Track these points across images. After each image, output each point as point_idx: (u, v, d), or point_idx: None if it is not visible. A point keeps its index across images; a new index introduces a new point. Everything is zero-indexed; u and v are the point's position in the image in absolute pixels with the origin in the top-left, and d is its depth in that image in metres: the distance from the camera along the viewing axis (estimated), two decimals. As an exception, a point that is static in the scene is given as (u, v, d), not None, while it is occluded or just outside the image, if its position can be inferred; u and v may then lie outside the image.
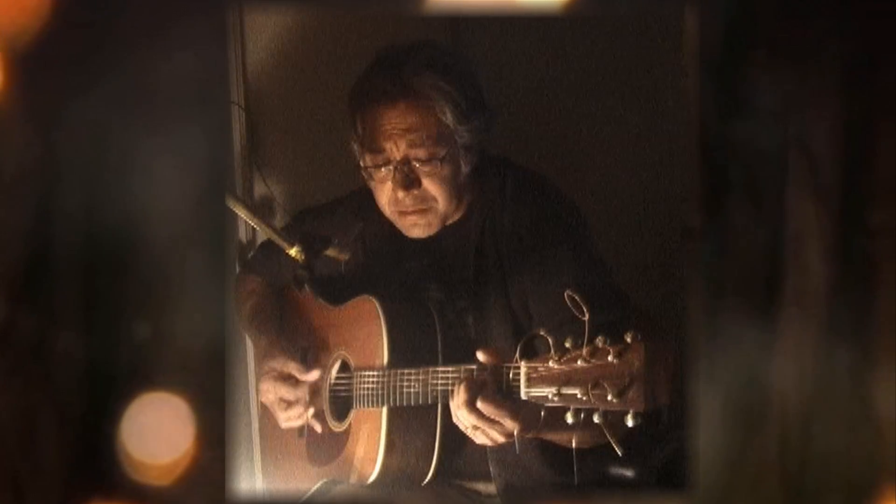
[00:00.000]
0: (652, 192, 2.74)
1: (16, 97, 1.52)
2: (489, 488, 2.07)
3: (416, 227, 2.07)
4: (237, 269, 2.46)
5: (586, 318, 1.56)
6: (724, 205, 1.58)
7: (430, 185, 2.02)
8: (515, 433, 1.72)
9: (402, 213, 2.06)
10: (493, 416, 1.70)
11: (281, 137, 2.58)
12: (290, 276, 2.12)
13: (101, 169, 1.56)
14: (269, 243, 2.28)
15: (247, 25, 2.50)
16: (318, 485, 2.15)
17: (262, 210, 2.53)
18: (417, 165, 2.00)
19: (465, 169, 2.04)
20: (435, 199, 2.03)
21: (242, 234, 2.53)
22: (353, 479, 2.06)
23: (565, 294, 1.58)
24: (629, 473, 2.11)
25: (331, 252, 2.06)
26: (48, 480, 1.54)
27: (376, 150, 2.02)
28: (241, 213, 2.06)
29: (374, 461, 1.98)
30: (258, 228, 2.13)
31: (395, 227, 2.12)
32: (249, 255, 2.51)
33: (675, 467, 2.05)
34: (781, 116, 1.57)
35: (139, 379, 1.56)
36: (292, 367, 2.14)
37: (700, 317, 1.59)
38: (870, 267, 1.56)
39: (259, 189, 2.56)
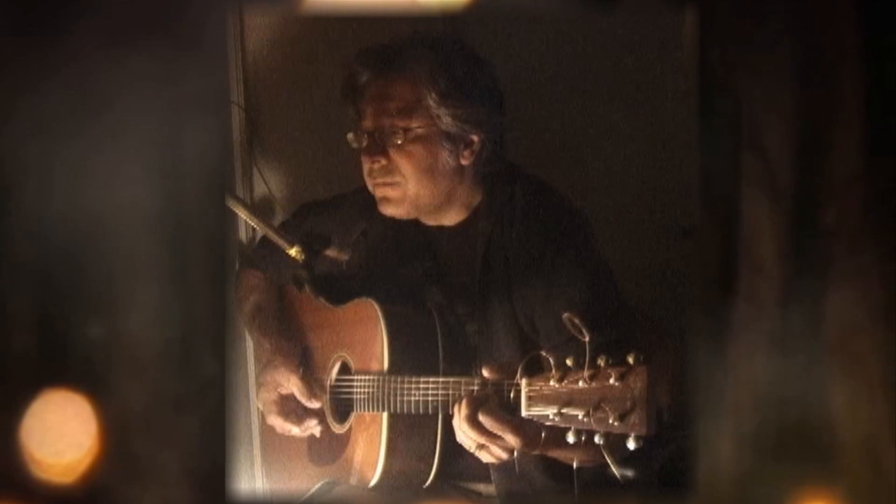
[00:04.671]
0: (652, 193, 2.73)
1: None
2: (489, 489, 2.07)
3: (385, 203, 2.05)
4: (237, 265, 2.46)
5: (586, 339, 1.54)
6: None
7: (399, 160, 2.00)
8: (517, 450, 1.71)
9: (374, 185, 2.05)
10: (495, 431, 1.68)
11: (281, 137, 2.58)
12: (291, 273, 2.12)
13: (99, 170, 1.56)
14: (269, 238, 2.27)
15: (247, 25, 2.50)
16: (319, 485, 2.15)
17: (262, 210, 2.53)
18: (384, 135, 1.99)
19: (449, 161, 2.01)
20: (403, 177, 2.01)
21: (242, 234, 2.52)
22: (354, 480, 2.06)
23: (564, 317, 1.57)
24: (629, 473, 2.11)
25: (331, 252, 2.06)
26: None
27: (361, 117, 2.03)
28: (241, 213, 2.06)
29: (375, 464, 1.98)
30: (258, 228, 2.13)
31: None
32: (250, 250, 2.50)
33: (675, 468, 2.05)
34: (737, 117, 1.57)
35: (136, 377, 1.56)
36: (294, 384, 2.13)
37: (699, 316, 1.59)
38: (823, 267, 1.56)
39: (259, 189, 2.56)
